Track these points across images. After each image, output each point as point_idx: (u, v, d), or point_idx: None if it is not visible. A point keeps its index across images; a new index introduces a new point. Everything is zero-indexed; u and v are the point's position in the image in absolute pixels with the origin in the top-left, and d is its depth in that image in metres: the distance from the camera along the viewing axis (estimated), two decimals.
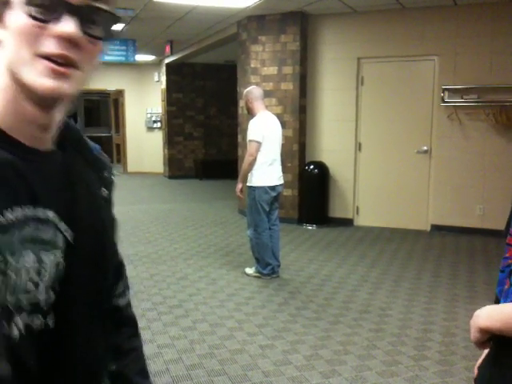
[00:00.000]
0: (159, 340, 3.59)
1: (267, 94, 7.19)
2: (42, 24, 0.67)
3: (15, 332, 0.69)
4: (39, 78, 0.68)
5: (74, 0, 0.69)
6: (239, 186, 4.93)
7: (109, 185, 0.91)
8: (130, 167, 13.71)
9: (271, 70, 7.32)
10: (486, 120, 6.49)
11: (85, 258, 0.80)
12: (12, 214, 0.69)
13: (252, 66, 7.44)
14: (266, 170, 4.78)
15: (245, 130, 7.45)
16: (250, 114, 4.90)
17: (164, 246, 6.16)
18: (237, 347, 3.50)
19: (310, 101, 7.44)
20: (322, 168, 7.31)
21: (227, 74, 12.28)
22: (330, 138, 7.39)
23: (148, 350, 3.44)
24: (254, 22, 7.35)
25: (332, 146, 7.37)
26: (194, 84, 12.66)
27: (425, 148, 6.91)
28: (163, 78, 12.69)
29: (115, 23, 0.75)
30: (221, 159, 12.88)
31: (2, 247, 0.67)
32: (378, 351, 3.45)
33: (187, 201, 9.62)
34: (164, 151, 13.09)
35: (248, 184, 4.85)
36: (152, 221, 7.56)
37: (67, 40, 0.68)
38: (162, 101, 12.94)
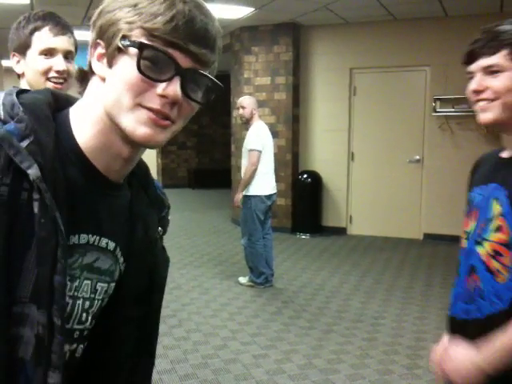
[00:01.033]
0: None
1: (260, 104, 7.22)
2: (150, 81, 0.71)
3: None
4: (139, 126, 0.72)
5: (184, 63, 0.72)
6: (240, 195, 4.84)
7: (165, 225, 0.95)
8: None
9: (264, 80, 7.37)
10: (476, 129, 6.55)
11: (131, 291, 0.85)
12: (77, 239, 0.74)
13: (245, 76, 7.48)
14: (261, 179, 4.79)
15: (238, 140, 7.49)
16: (246, 122, 4.90)
17: None
18: (230, 357, 3.50)
19: (302, 111, 7.48)
20: (315, 177, 7.33)
21: (220, 83, 12.31)
22: (322, 148, 7.42)
23: None
24: (246, 32, 7.40)
25: (325, 156, 7.41)
26: None
27: (417, 157, 6.96)
28: None
29: (215, 92, 0.79)
30: (214, 168, 12.89)
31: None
32: (371, 360, 3.46)
33: (180, 210, 9.61)
34: (157, 160, 13.09)
35: (244, 193, 4.83)
36: None
37: (170, 100, 0.72)
38: None
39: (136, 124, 0.72)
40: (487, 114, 1.24)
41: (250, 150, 4.75)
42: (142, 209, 0.86)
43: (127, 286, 0.84)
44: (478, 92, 1.25)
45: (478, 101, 1.25)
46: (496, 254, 1.22)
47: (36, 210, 0.66)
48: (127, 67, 0.71)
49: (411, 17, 6.64)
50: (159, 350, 3.58)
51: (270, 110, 7.33)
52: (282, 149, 7.17)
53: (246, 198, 4.83)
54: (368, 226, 7.30)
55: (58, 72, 1.54)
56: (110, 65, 0.73)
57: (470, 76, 1.28)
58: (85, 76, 0.78)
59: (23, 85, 1.59)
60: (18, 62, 1.58)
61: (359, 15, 6.63)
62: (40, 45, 1.53)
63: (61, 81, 1.56)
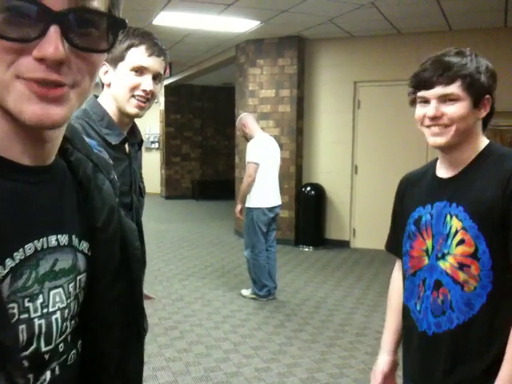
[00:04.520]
0: (154, 362, 3.56)
1: (265, 117, 7.27)
2: (16, 43, 0.53)
3: (46, 377, 0.64)
4: (24, 104, 0.55)
5: (57, 6, 0.53)
6: (239, 207, 4.93)
7: (115, 186, 0.80)
8: None
9: (269, 93, 7.40)
10: None
11: (106, 269, 0.73)
12: (23, 253, 0.59)
13: (250, 88, 7.52)
14: (263, 191, 4.81)
15: (242, 151, 7.50)
16: (248, 139, 4.94)
17: (159, 267, 6.14)
18: (232, 370, 3.48)
19: (306, 123, 7.51)
20: (319, 190, 7.33)
21: (225, 95, 12.40)
22: (326, 160, 7.43)
23: (143, 372, 3.41)
24: (252, 45, 7.45)
25: (328, 168, 7.41)
26: (192, 105, 12.76)
27: None
28: (162, 99, 12.79)
29: (118, 28, 0.59)
30: (217, 180, 12.92)
31: (17, 295, 0.58)
32: None
33: (183, 221, 9.61)
34: (161, 171, 13.12)
35: (246, 205, 4.86)
36: (147, 241, 7.50)
37: (51, 62, 0.53)
38: (161, 122, 13.02)
39: (20, 103, 0.54)
40: (441, 138, 1.34)
41: (248, 162, 4.80)
42: (89, 174, 0.71)
43: (100, 267, 0.71)
44: (434, 118, 1.35)
45: (432, 126, 1.36)
46: (462, 266, 1.29)
47: None
48: None
49: (415, 31, 6.68)
50: (161, 362, 3.57)
51: (274, 122, 7.35)
52: (285, 161, 7.18)
53: (248, 209, 4.84)
54: (371, 239, 7.28)
55: (144, 91, 1.56)
56: None
57: (421, 100, 1.39)
58: None
59: (106, 95, 1.62)
60: (107, 72, 1.61)
61: (364, 29, 6.67)
62: (134, 61, 1.55)
63: (144, 100, 1.57)
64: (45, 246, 0.62)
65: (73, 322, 0.69)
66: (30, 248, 0.60)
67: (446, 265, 1.33)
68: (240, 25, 6.50)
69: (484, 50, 6.47)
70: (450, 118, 1.32)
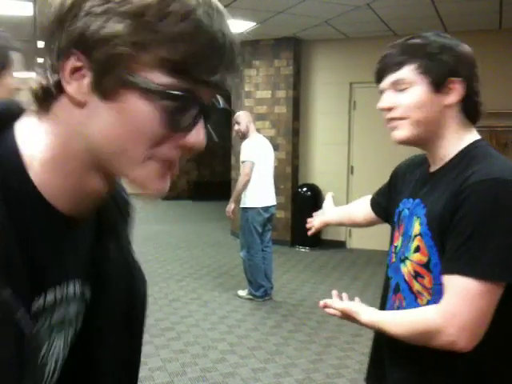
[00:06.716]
0: (151, 363, 3.56)
1: (261, 117, 7.28)
2: (170, 132, 0.55)
3: None
4: (151, 180, 0.57)
5: (205, 96, 0.57)
6: (232, 206, 4.95)
7: (131, 228, 0.77)
8: None
9: (265, 94, 7.42)
10: None
11: (108, 317, 0.69)
12: (42, 301, 0.58)
13: (246, 89, 7.53)
14: (258, 191, 4.82)
15: (238, 153, 7.51)
16: (243, 137, 4.96)
17: (156, 268, 6.14)
18: (229, 370, 3.48)
19: (302, 124, 7.52)
20: (315, 190, 7.35)
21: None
22: (322, 161, 7.45)
23: (139, 372, 3.41)
24: (248, 46, 7.46)
25: (324, 169, 7.43)
26: None
27: None
28: None
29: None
30: (214, 181, 12.93)
31: (32, 340, 0.55)
32: None
33: (180, 222, 9.61)
34: None
35: (241, 205, 4.88)
36: (144, 242, 7.53)
37: (194, 150, 0.57)
38: None
39: (147, 179, 0.57)
40: (400, 132, 1.19)
41: (243, 162, 4.81)
42: (112, 220, 0.70)
43: (102, 313, 0.69)
44: (386, 110, 1.20)
45: (389, 120, 1.20)
46: (417, 275, 1.17)
47: None
48: (142, 113, 0.53)
49: (411, 32, 6.63)
50: (158, 362, 3.57)
51: (270, 123, 7.37)
52: (281, 162, 7.19)
53: (243, 210, 4.86)
54: (367, 239, 7.30)
55: None
56: (105, 97, 0.53)
57: (381, 94, 1.24)
58: (47, 94, 0.56)
59: None
60: None
61: (359, 30, 6.69)
62: None
63: None
64: (63, 294, 0.61)
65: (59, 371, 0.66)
66: (50, 295, 0.59)
67: (405, 270, 1.21)
68: (235, 26, 6.50)
69: (479, 51, 6.47)
70: (403, 108, 1.16)
